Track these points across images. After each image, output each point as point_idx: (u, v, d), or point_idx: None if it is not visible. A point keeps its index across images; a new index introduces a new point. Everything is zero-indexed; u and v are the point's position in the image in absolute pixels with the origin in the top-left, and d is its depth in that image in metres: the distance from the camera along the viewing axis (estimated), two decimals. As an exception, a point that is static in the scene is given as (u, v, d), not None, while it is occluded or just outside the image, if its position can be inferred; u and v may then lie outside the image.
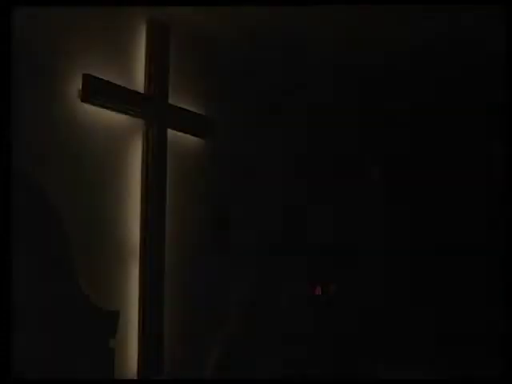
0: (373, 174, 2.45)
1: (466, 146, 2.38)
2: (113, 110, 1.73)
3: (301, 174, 2.38)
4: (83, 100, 1.66)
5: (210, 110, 2.02)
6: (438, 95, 2.39)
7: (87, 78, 1.66)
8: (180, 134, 1.92)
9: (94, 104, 1.68)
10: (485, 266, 2.05)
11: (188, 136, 1.96)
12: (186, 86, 1.96)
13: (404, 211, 2.39)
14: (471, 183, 2.28)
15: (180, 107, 1.90)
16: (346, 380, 1.80)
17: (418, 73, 2.32)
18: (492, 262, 1.89)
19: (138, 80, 1.82)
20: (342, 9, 1.88)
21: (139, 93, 1.81)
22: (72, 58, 1.66)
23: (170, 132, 1.88)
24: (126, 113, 1.77)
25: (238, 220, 2.12)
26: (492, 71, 2.09)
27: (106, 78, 1.70)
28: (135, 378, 1.75)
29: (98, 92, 1.68)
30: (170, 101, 1.88)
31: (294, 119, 2.36)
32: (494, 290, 1.65)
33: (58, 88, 1.63)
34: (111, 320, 1.67)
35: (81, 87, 1.65)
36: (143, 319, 1.76)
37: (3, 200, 1.28)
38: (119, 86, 1.74)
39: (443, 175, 2.37)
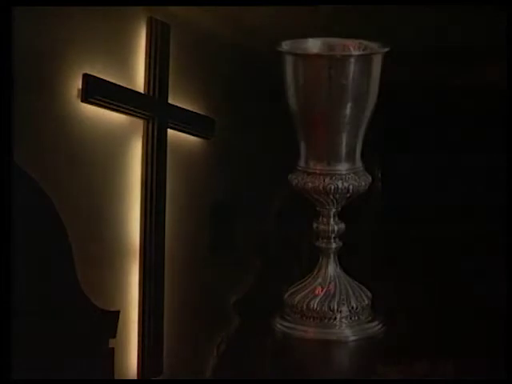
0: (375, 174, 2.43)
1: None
2: (113, 109, 1.73)
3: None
4: (83, 100, 1.67)
5: (210, 110, 2.02)
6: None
7: (87, 78, 1.66)
8: (180, 133, 1.93)
9: (94, 104, 1.68)
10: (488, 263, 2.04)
11: (188, 136, 1.96)
12: (186, 86, 1.96)
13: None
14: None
15: (180, 107, 1.91)
16: (346, 380, 1.78)
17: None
18: (495, 260, 1.88)
19: (138, 80, 1.83)
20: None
21: (139, 93, 1.81)
22: (72, 58, 1.67)
23: (170, 132, 1.88)
24: (126, 113, 1.77)
25: (238, 219, 2.11)
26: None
27: (106, 78, 1.70)
28: (135, 378, 1.75)
29: (98, 92, 1.68)
30: (170, 101, 1.88)
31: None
32: (498, 287, 1.64)
33: (58, 88, 1.63)
34: (111, 320, 1.67)
35: (81, 87, 1.66)
36: (143, 319, 1.76)
37: (3, 200, 1.28)
38: (119, 85, 1.74)
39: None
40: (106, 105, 1.70)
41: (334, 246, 1.43)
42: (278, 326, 1.46)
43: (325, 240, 1.43)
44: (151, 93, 1.83)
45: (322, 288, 1.42)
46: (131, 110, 1.77)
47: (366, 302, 1.43)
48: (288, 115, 1.44)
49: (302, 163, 1.44)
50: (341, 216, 1.44)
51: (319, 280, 1.43)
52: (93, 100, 1.67)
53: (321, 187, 1.38)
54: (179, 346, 1.87)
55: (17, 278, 1.33)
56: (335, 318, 1.40)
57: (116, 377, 1.66)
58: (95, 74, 1.67)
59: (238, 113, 2.24)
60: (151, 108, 1.82)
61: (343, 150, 1.38)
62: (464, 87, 2.20)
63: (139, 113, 1.80)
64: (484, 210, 2.09)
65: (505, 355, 1.29)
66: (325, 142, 1.39)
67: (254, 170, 2.34)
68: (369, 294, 1.45)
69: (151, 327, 1.77)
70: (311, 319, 1.41)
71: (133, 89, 1.78)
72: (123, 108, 1.75)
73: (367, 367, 1.39)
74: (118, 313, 1.66)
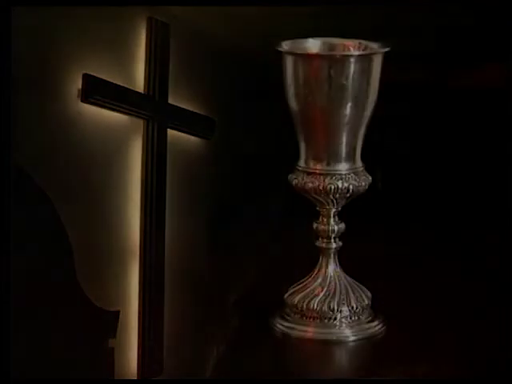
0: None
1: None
2: (113, 110, 1.74)
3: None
4: (83, 100, 1.67)
5: (210, 110, 2.02)
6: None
7: (87, 78, 1.66)
8: (180, 133, 1.93)
9: (94, 104, 1.68)
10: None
11: (188, 136, 1.96)
12: (185, 86, 1.96)
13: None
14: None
15: (180, 107, 1.90)
16: (346, 380, 1.79)
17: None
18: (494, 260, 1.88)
19: (138, 80, 1.83)
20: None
21: (139, 93, 1.81)
22: (72, 58, 1.67)
23: (170, 132, 1.88)
24: (126, 113, 1.77)
25: (238, 219, 2.11)
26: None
27: (105, 78, 1.70)
28: (135, 378, 1.75)
29: (98, 92, 1.68)
30: (170, 101, 1.88)
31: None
32: (498, 287, 1.64)
33: (58, 88, 1.63)
34: (111, 320, 1.67)
35: (81, 87, 1.66)
36: (143, 319, 1.76)
37: (3, 200, 1.28)
38: (119, 85, 1.74)
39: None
40: (105, 105, 1.70)
41: (333, 246, 1.43)
42: (278, 325, 1.46)
43: (325, 240, 1.43)
44: (151, 93, 1.83)
45: (322, 288, 1.42)
46: (131, 110, 1.77)
47: (366, 302, 1.43)
48: (288, 115, 1.44)
49: (301, 163, 1.44)
50: (341, 216, 1.44)
51: (319, 280, 1.43)
52: (93, 100, 1.67)
53: (321, 187, 1.38)
54: (179, 346, 1.87)
55: (17, 278, 1.33)
56: (335, 318, 1.40)
57: (116, 377, 1.66)
58: (95, 74, 1.67)
59: (238, 113, 2.24)
60: (151, 108, 1.83)
61: (343, 150, 1.38)
62: (464, 87, 2.19)
63: (139, 113, 1.80)
64: (484, 209, 2.09)
65: (505, 355, 1.29)
66: (325, 142, 1.39)
67: (254, 170, 2.34)
68: (369, 294, 1.45)
69: (151, 327, 1.77)
70: (311, 319, 1.41)
71: (133, 89, 1.78)
72: (123, 108, 1.75)
73: (367, 367, 1.39)
74: (117, 313, 1.66)
